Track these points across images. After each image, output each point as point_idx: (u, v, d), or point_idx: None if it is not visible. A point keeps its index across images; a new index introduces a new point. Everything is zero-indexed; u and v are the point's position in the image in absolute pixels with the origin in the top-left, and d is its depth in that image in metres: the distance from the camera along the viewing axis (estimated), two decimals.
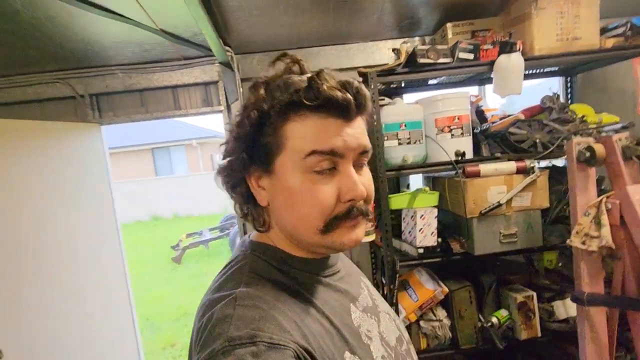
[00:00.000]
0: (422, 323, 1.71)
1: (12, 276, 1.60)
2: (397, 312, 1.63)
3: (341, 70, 2.08)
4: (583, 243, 1.19)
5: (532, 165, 1.53)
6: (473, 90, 2.10)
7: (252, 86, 0.53)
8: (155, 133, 13.03)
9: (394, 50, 1.62)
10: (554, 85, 2.17)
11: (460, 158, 1.59)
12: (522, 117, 1.69)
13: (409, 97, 2.03)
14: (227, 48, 1.87)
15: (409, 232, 1.69)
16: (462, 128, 1.62)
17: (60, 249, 1.86)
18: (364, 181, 0.52)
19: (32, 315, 1.66)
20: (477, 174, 1.55)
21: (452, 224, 1.75)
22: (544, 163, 1.84)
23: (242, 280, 0.50)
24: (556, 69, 1.99)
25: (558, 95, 1.75)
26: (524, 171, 1.54)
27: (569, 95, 2.11)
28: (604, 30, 1.65)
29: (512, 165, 1.54)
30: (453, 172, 1.60)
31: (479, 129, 1.75)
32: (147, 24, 1.64)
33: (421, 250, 1.62)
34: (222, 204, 9.94)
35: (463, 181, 1.53)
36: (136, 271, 5.82)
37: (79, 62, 1.96)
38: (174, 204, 11.63)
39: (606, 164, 1.22)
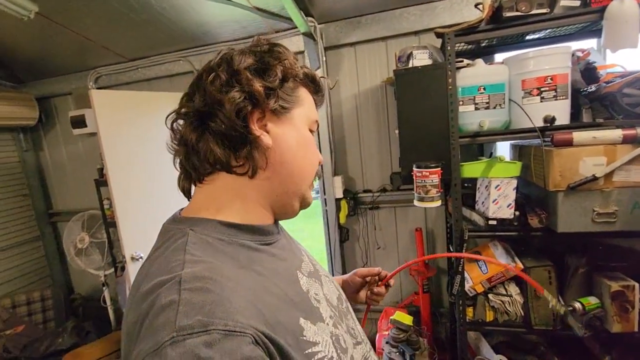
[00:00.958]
0: (490, 296, 1.66)
1: (157, 200, 2.15)
2: (463, 280, 1.62)
3: (425, 31, 1.99)
4: None
5: None
6: (588, 44, 1.75)
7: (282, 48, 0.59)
8: None
9: (477, 5, 1.48)
10: None
11: (549, 125, 1.42)
12: None
13: (502, 57, 1.83)
14: (310, 19, 1.98)
15: (482, 202, 1.62)
16: (555, 90, 1.42)
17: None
18: None
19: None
20: (568, 143, 1.37)
21: (537, 197, 1.59)
22: None
23: (184, 259, 0.44)
24: None
25: None
26: (633, 140, 1.29)
27: None
28: None
29: (617, 133, 1.31)
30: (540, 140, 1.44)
31: (585, 90, 1.50)
32: (242, 3, 1.86)
33: (493, 222, 1.54)
34: None
35: (548, 150, 1.37)
36: None
37: (194, 42, 2.35)
38: None
39: None
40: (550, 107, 1.43)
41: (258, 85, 0.51)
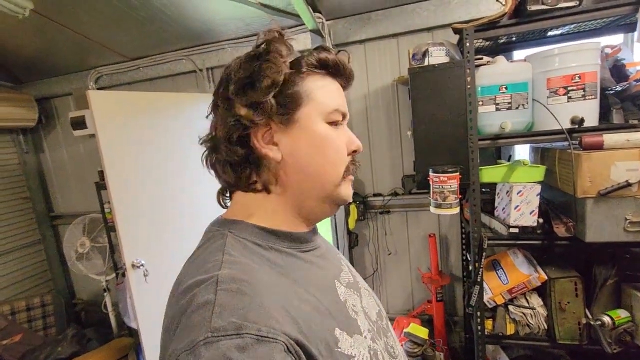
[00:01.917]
0: (511, 308, 1.57)
1: (161, 205, 2.07)
2: (482, 291, 1.53)
3: (439, 27, 1.89)
4: None
5: None
6: (616, 40, 1.65)
7: (280, 41, 0.53)
8: None
9: None
10: None
11: (577, 126, 1.32)
12: None
13: (522, 55, 1.73)
14: (318, 15, 1.89)
15: (503, 209, 1.52)
16: (584, 89, 1.32)
17: (192, 185, 2.21)
18: None
19: (171, 234, 2.12)
20: (599, 146, 1.27)
21: (562, 204, 1.50)
22: None
23: (222, 260, 0.45)
24: None
25: None
26: None
27: None
28: None
29: None
30: (566, 144, 1.35)
31: (614, 89, 1.40)
32: (248, 0, 1.78)
33: (515, 230, 1.45)
34: None
35: (576, 154, 1.28)
36: None
37: (197, 40, 2.26)
38: None
39: None
40: (578, 108, 1.33)
41: (243, 111, 0.51)
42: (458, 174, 1.42)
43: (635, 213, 1.26)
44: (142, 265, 1.93)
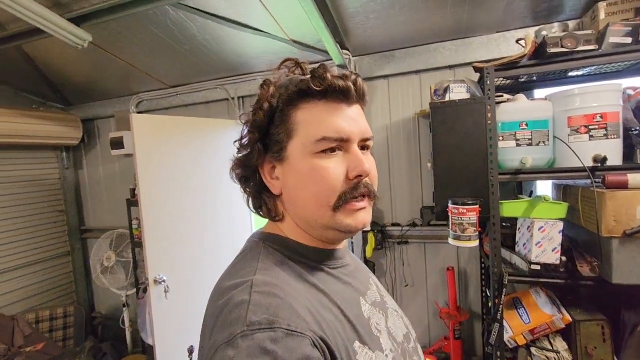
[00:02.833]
0: (533, 350, 1.51)
1: (186, 224, 2.16)
2: (502, 329, 1.48)
3: (460, 66, 1.97)
4: None
5: None
6: (634, 82, 1.67)
7: (263, 84, 0.57)
8: None
9: (518, 40, 1.46)
10: None
11: (600, 165, 1.32)
12: None
13: (542, 93, 1.77)
14: (345, 51, 2.02)
15: (524, 244, 1.50)
16: (606, 128, 1.34)
17: (217, 207, 2.33)
18: (368, 162, 0.55)
19: (192, 253, 2.19)
20: (623, 185, 1.26)
21: (585, 242, 1.47)
22: None
23: (256, 267, 0.51)
24: None
25: None
26: None
27: None
28: None
29: None
30: (588, 181, 1.35)
31: (638, 130, 1.40)
32: (281, 37, 1.93)
33: (536, 267, 1.42)
34: None
35: (600, 192, 1.27)
36: None
37: (231, 71, 2.44)
38: None
39: None
40: (600, 146, 1.34)
41: (237, 157, 0.60)
42: (477, 206, 1.43)
43: None
44: (164, 281, 1.99)
